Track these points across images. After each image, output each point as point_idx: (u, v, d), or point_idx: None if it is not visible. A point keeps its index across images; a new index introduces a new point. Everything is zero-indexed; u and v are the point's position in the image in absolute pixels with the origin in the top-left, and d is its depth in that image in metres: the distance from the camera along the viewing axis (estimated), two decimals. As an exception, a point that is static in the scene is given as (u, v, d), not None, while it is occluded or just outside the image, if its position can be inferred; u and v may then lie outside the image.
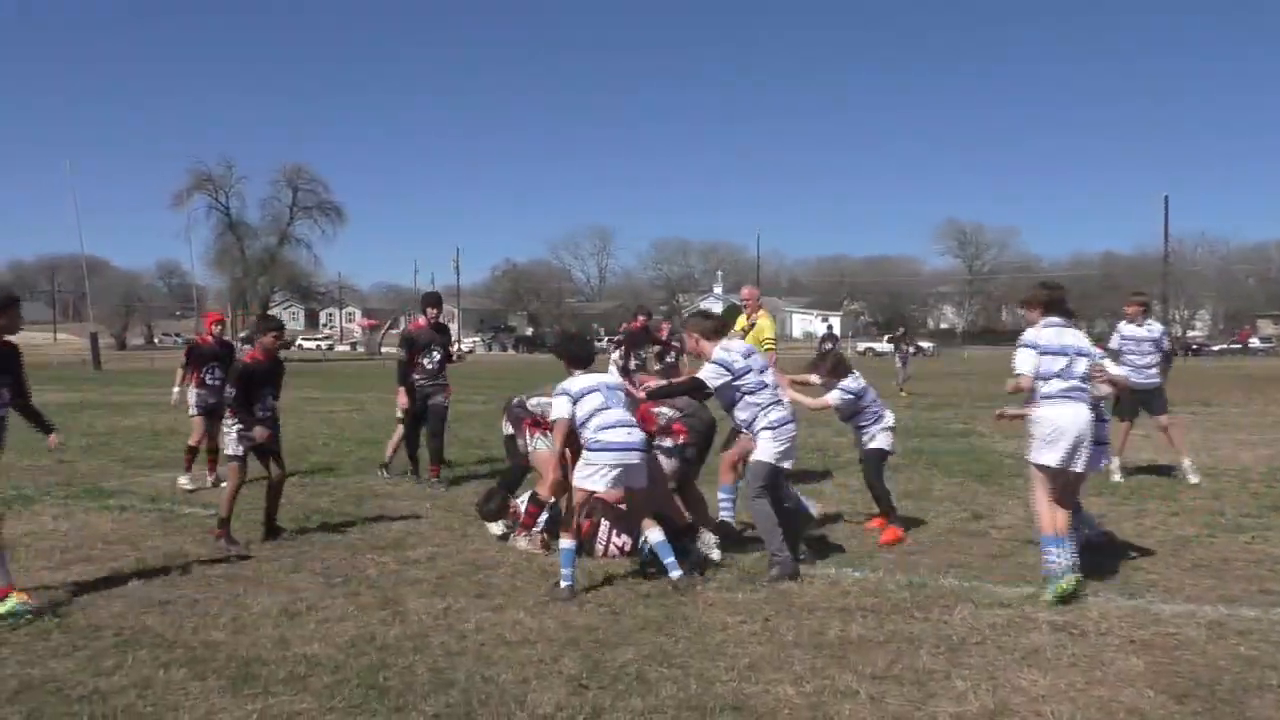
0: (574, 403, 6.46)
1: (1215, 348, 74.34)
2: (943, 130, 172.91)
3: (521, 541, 7.47)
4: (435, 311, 10.69)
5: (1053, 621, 5.53)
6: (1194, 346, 77.12)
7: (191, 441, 10.68)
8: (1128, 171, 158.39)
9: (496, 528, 7.76)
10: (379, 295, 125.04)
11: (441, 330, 10.82)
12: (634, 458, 6.37)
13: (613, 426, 6.36)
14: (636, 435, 6.46)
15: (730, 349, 6.93)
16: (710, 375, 6.75)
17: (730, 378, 6.74)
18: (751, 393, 6.76)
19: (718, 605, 5.92)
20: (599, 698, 4.49)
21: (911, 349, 26.64)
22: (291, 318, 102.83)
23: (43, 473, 11.26)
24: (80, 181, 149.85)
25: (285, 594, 6.29)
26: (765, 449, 6.67)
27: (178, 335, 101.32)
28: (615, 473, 6.31)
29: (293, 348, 74.90)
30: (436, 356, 10.53)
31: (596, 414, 6.41)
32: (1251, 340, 71.59)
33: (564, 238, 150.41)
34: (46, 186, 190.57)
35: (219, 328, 11.04)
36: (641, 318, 13.77)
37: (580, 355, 6.90)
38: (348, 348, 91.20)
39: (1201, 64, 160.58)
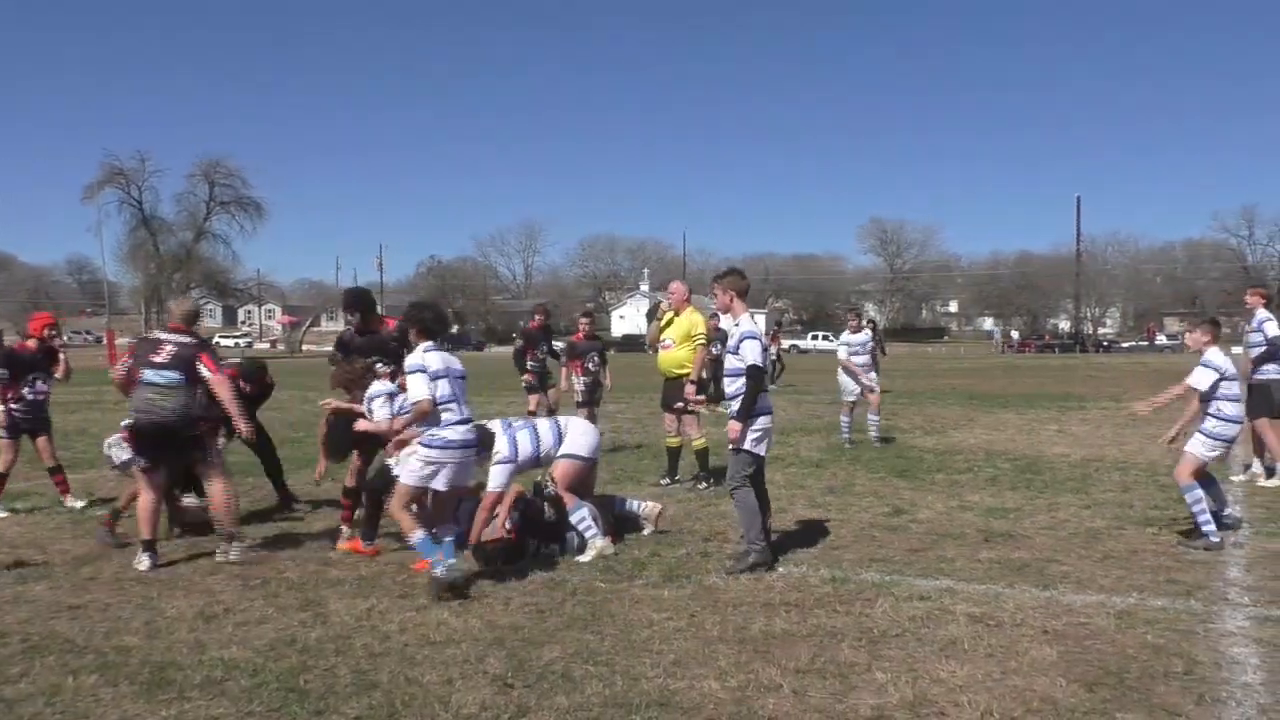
0: (432, 380, 6.20)
1: (1124, 344, 76.69)
2: (868, 128, 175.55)
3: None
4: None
5: (970, 614, 5.65)
6: (1104, 343, 79.55)
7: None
8: (1044, 172, 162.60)
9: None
10: (300, 292, 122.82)
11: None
12: (470, 456, 6.33)
13: (456, 424, 6.23)
14: (473, 432, 6.43)
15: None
16: (757, 354, 6.63)
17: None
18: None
19: (643, 602, 5.93)
20: (524, 696, 4.48)
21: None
22: (209, 315, 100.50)
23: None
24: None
25: (201, 597, 6.15)
26: (746, 439, 6.68)
27: (88, 333, 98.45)
28: (450, 470, 6.21)
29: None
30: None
31: (445, 406, 6.24)
32: (1158, 337, 73.97)
33: (491, 235, 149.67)
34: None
35: (49, 331, 9.50)
36: (539, 317, 13.66)
37: (433, 326, 6.48)
38: (268, 345, 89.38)
39: (1113, 66, 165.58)
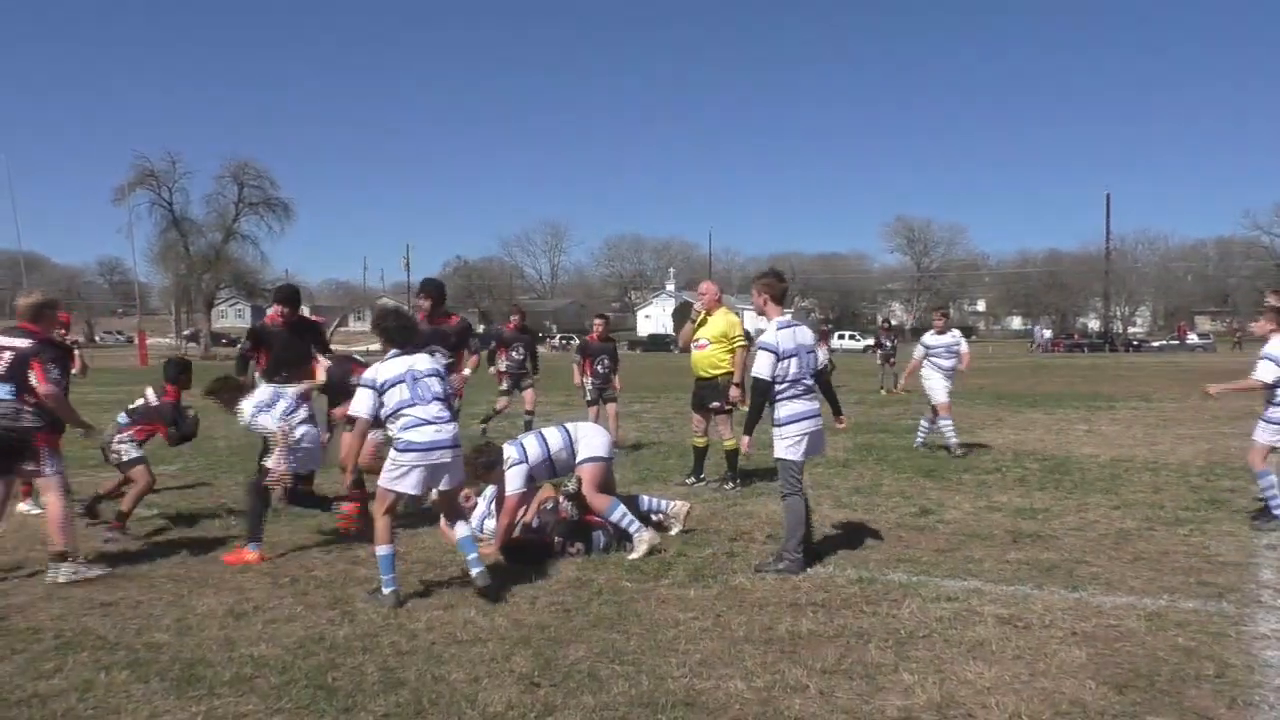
0: (378, 394, 6.06)
1: (1154, 344, 75.88)
2: (893, 127, 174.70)
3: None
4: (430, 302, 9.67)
5: (998, 615, 5.61)
6: (1134, 343, 78.73)
7: None
8: (1073, 169, 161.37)
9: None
10: (328, 292, 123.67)
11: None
12: (444, 456, 6.05)
13: (419, 425, 5.98)
14: (446, 432, 6.06)
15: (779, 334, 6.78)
16: (764, 366, 6.65)
17: (774, 360, 6.69)
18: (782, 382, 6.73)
19: (669, 602, 5.93)
20: (550, 695, 4.49)
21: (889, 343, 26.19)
22: (238, 315, 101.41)
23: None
24: (18, 176, 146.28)
25: (231, 594, 6.20)
26: (780, 447, 6.72)
27: (119, 333, 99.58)
28: (421, 473, 6.02)
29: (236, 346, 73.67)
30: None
31: (402, 411, 6.02)
32: (1189, 336, 73.12)
33: (517, 234, 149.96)
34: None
35: (60, 331, 8.80)
36: (515, 318, 14.43)
37: (397, 335, 6.24)
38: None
39: (1143, 63, 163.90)
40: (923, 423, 13.01)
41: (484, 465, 7.26)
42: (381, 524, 6.04)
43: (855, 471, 11.04)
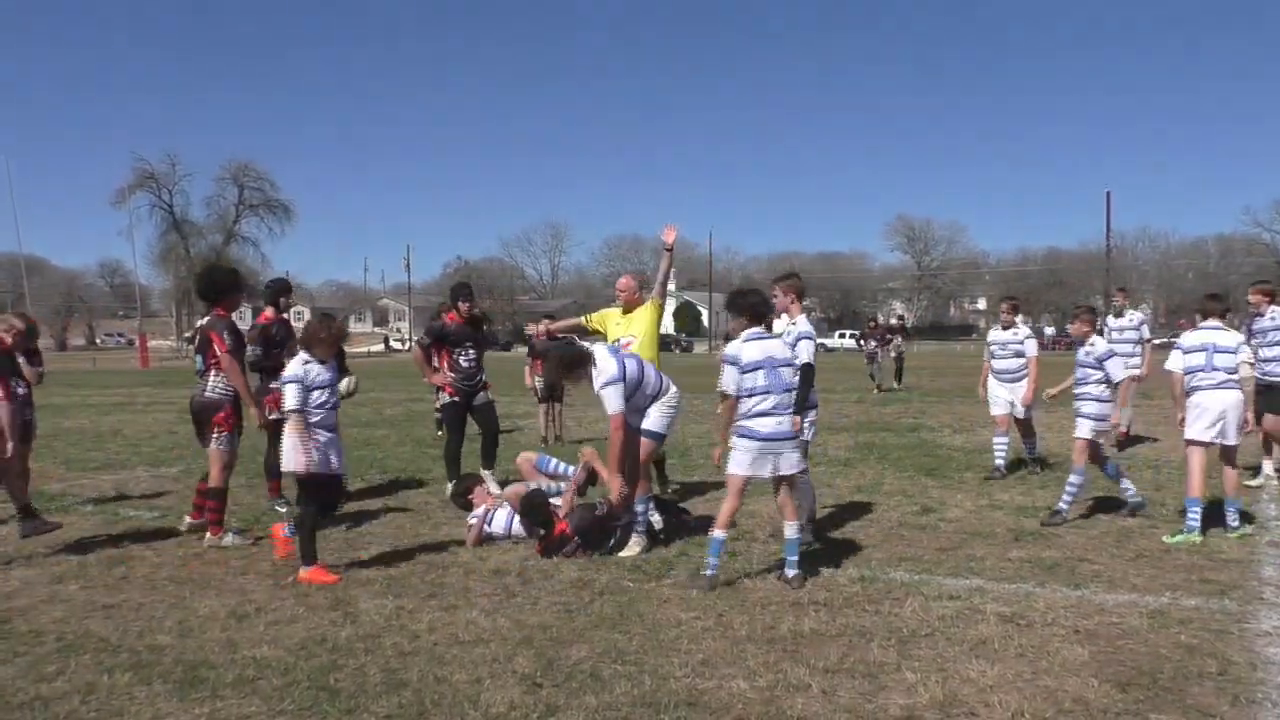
0: (740, 372, 6.23)
1: (1156, 341, 75.66)
2: (893, 126, 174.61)
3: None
4: (467, 305, 9.83)
5: (1000, 613, 5.61)
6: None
7: None
8: (1073, 167, 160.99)
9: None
10: (329, 293, 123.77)
11: (476, 325, 9.97)
12: (782, 447, 6.24)
13: (763, 416, 6.19)
14: (785, 425, 6.25)
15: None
16: (812, 353, 7.03)
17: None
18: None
19: (671, 602, 5.93)
20: (553, 696, 4.49)
21: (874, 342, 26.24)
22: (239, 316, 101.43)
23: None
24: (18, 178, 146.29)
25: (233, 596, 6.21)
26: (805, 430, 6.95)
27: (120, 335, 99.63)
28: (764, 459, 6.21)
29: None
30: (472, 354, 9.76)
31: (754, 395, 6.22)
32: (1190, 334, 73.00)
33: (517, 235, 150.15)
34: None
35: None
36: (544, 324, 14.30)
37: (762, 309, 6.50)
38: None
39: (1143, 61, 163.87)
40: (995, 440, 10.83)
41: (568, 364, 7.20)
42: (729, 508, 6.28)
43: (857, 470, 11.04)
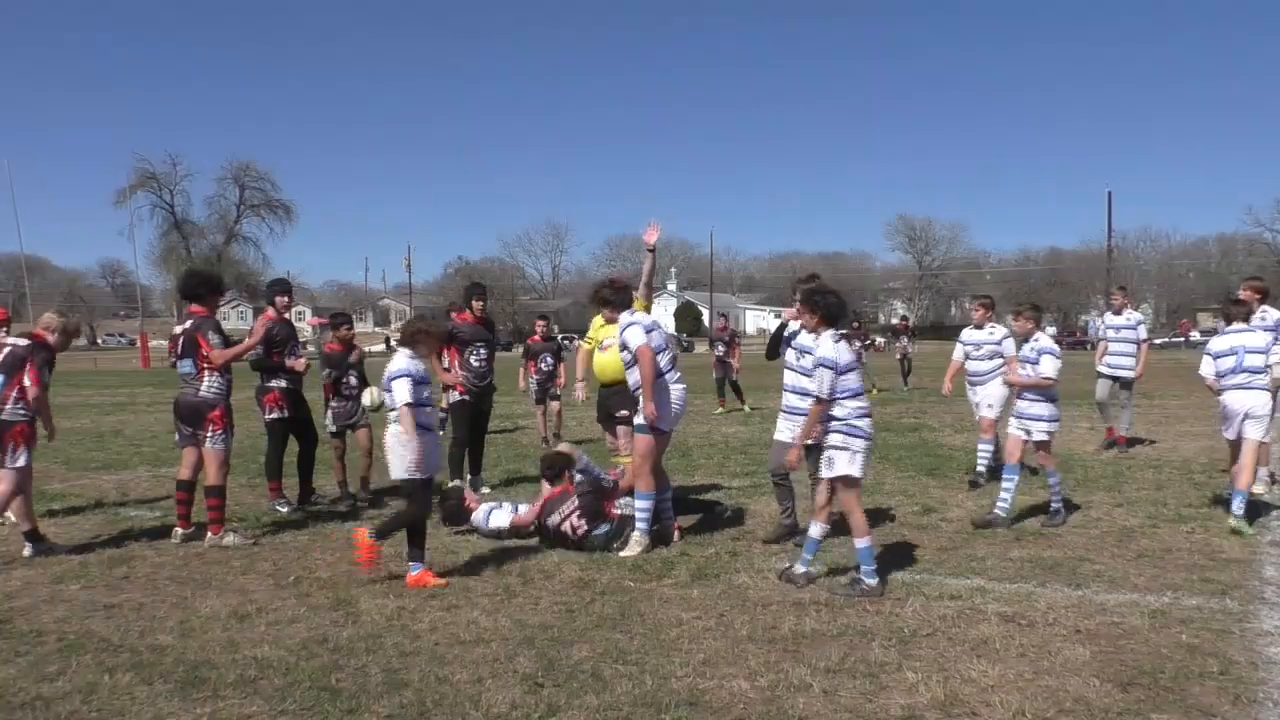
0: (837, 375, 6.21)
1: (1157, 341, 75.71)
2: (896, 126, 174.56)
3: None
4: (481, 305, 9.84)
5: (1001, 613, 5.61)
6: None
7: None
8: (1074, 167, 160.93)
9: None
10: (330, 293, 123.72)
11: (489, 325, 9.93)
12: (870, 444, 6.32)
13: (867, 415, 6.27)
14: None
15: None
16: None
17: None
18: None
19: (672, 601, 5.93)
20: (554, 695, 4.49)
21: (863, 341, 26.33)
22: (240, 317, 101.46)
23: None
24: (19, 178, 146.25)
25: (235, 596, 6.21)
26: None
27: (121, 335, 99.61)
28: (867, 457, 6.28)
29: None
30: (483, 353, 9.69)
31: (858, 396, 6.28)
32: (1192, 333, 72.92)
33: (518, 235, 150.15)
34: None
35: None
36: (541, 326, 15.00)
37: (836, 310, 6.51)
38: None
39: (1144, 60, 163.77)
40: (979, 446, 10.31)
41: (606, 296, 7.54)
42: (862, 516, 6.25)
43: (858, 470, 11.02)
